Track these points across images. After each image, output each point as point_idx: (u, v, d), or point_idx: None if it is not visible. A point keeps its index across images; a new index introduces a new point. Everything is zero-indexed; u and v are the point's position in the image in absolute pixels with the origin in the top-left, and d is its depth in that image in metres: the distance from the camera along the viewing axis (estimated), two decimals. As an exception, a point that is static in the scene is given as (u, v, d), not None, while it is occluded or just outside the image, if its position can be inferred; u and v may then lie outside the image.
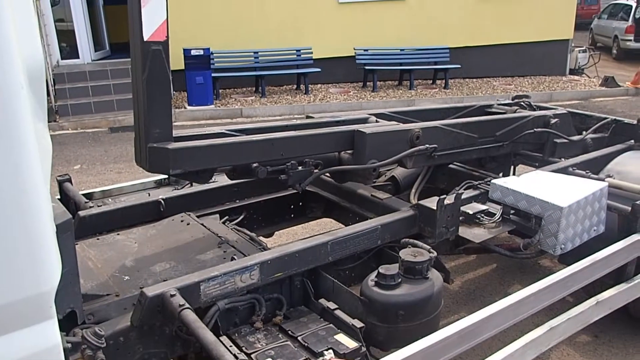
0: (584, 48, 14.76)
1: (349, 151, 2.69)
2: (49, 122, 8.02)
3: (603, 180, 3.01)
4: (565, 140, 3.49)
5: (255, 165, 2.39)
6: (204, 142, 2.27)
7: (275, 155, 2.44)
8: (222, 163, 2.35)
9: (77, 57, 10.44)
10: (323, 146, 2.61)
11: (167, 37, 2.02)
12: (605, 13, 20.40)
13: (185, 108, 9.76)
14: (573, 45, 14.32)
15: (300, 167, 2.51)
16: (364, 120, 2.96)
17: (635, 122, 3.89)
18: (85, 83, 9.58)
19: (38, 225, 1.15)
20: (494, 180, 2.75)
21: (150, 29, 1.98)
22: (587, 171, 3.18)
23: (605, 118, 4.05)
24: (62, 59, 10.28)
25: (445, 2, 12.08)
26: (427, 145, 2.77)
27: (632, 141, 3.78)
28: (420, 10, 11.96)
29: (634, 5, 17.85)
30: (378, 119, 2.99)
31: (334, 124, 2.81)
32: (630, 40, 17.36)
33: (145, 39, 1.98)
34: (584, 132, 3.78)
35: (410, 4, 11.91)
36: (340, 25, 11.49)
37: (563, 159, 3.67)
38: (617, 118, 4.09)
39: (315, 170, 2.59)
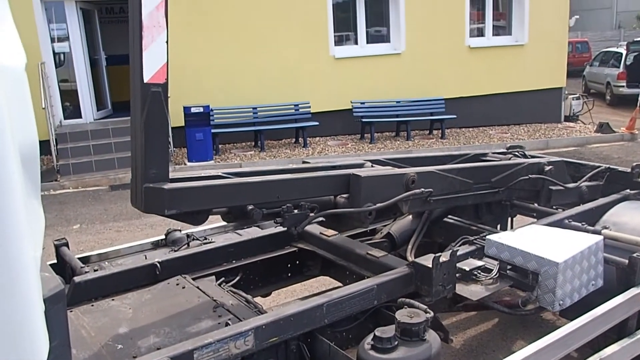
0: (577, 95, 15.00)
1: (344, 195, 2.70)
2: (50, 181, 8.09)
3: (599, 232, 3.00)
4: (561, 188, 3.50)
5: (250, 207, 2.39)
6: (200, 183, 2.29)
7: (271, 198, 2.44)
8: (217, 204, 2.35)
9: (80, 116, 10.67)
10: (319, 189, 2.62)
11: (167, 79, 2.07)
12: (597, 60, 20.85)
13: (185, 164, 9.86)
14: (567, 92, 14.57)
15: (296, 211, 2.50)
16: (360, 166, 2.99)
17: (629, 170, 3.92)
18: (87, 142, 9.73)
19: (24, 304, 1.15)
20: (489, 236, 2.74)
21: (150, 71, 2.03)
22: (583, 223, 3.17)
23: (600, 166, 4.07)
24: (65, 118, 10.51)
25: (438, 55, 12.38)
26: (423, 189, 2.77)
27: (628, 190, 3.80)
28: (414, 63, 12.25)
29: (624, 52, 18.27)
30: (373, 164, 3.01)
31: (329, 169, 2.83)
32: (622, 86, 17.67)
33: (145, 81, 2.03)
34: (579, 181, 3.80)
35: (404, 58, 12.21)
36: (336, 80, 11.75)
37: (560, 209, 3.68)
38: (612, 166, 4.11)
39: (311, 214, 2.59)
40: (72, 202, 8.07)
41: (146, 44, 2.00)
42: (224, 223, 3.59)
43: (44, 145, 9.15)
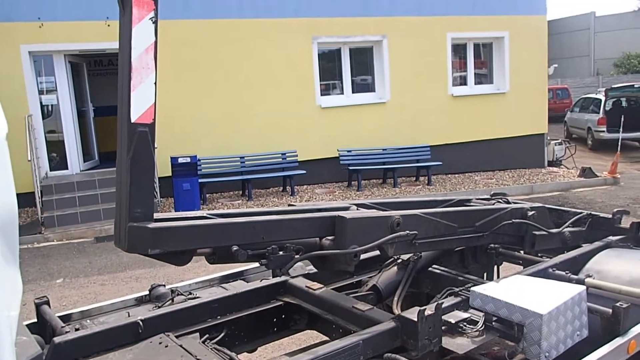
0: (559, 140, 15.33)
1: (329, 238, 2.69)
2: (33, 234, 7.98)
3: (583, 281, 3.02)
4: (544, 233, 3.53)
5: (235, 248, 2.37)
6: (184, 223, 2.27)
7: (256, 239, 2.42)
8: (202, 244, 2.33)
9: (66, 167, 10.66)
10: (304, 231, 2.61)
11: (154, 120, 2.09)
12: (577, 106, 21.39)
13: (172, 214, 9.79)
14: (549, 138, 14.89)
15: (281, 252, 2.49)
16: (345, 209, 2.99)
17: (610, 215, 3.97)
18: (72, 193, 9.68)
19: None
20: (473, 288, 2.74)
21: (138, 111, 2.05)
22: (567, 272, 3.19)
23: (582, 212, 4.12)
24: (51, 170, 10.48)
25: (422, 103, 12.66)
26: (408, 232, 2.77)
27: (610, 237, 3.83)
28: (399, 111, 12.49)
29: (603, 98, 18.78)
30: (359, 208, 3.02)
31: (315, 211, 2.84)
32: (603, 131, 18.07)
33: (132, 121, 2.04)
34: (562, 227, 3.83)
35: (390, 106, 12.46)
36: (323, 128, 11.92)
37: (544, 256, 3.70)
38: (593, 212, 4.16)
39: (296, 256, 2.57)
40: (56, 255, 7.95)
41: (135, 84, 2.04)
42: (209, 277, 3.56)
43: (29, 198, 9.10)
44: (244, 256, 2.39)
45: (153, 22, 2.02)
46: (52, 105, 10.86)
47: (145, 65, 2.04)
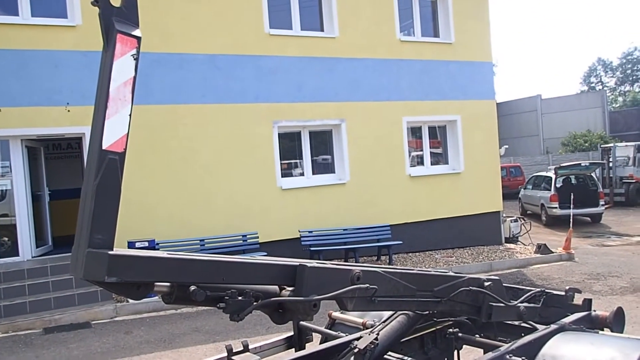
0: (514, 218, 15.77)
1: (289, 288, 2.65)
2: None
3: (539, 368, 3.03)
4: (501, 305, 3.58)
5: (193, 288, 2.29)
6: (145, 253, 2.19)
7: (216, 279, 2.36)
8: (162, 277, 2.24)
9: (17, 254, 10.26)
10: (266, 276, 2.56)
11: (125, 150, 2.09)
12: (530, 184, 22.22)
13: (127, 302, 9.45)
14: (505, 215, 15.32)
15: (240, 297, 2.42)
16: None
17: (563, 293, 4.06)
18: (22, 282, 9.27)
19: None
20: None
21: (110, 139, 2.05)
22: (523, 357, 3.20)
23: (536, 290, 4.21)
24: (0, 257, 10.06)
25: (381, 184, 12.94)
26: (368, 285, 2.76)
27: (564, 320, 3.90)
28: (358, 192, 12.72)
29: (553, 176, 19.61)
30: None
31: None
32: (555, 207, 18.72)
33: (103, 147, 2.03)
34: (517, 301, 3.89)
35: (349, 187, 12.68)
36: (284, 210, 11.97)
37: (501, 339, 3.71)
38: (547, 290, 4.26)
39: (255, 302, 2.50)
40: (0, 349, 7.48)
41: (110, 114, 2.06)
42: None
43: (-25, 287, 8.66)
44: (202, 296, 2.31)
45: (134, 59, 2.09)
46: (5, 189, 10.62)
47: (122, 97, 2.09)
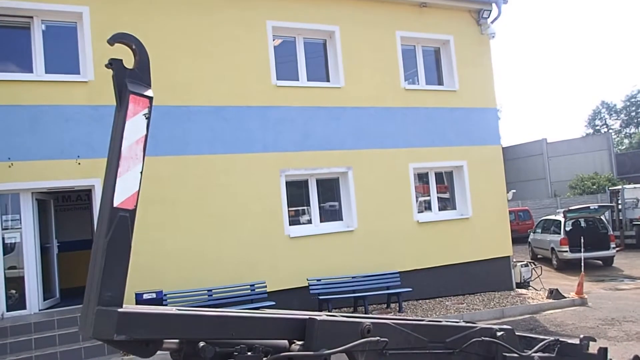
0: (525, 262, 15.59)
1: (299, 343, 2.62)
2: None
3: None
4: (515, 355, 3.51)
5: (202, 344, 2.27)
6: (155, 310, 2.18)
7: (226, 335, 2.33)
8: (171, 335, 2.22)
9: (24, 307, 10.22)
10: (276, 331, 2.54)
11: (136, 207, 2.11)
12: (539, 227, 22.05)
13: (134, 357, 9.30)
14: (515, 260, 15.15)
15: (249, 353, 2.38)
16: (317, 316, 2.97)
17: (578, 341, 3.99)
18: (29, 336, 9.20)
19: None
20: None
21: (121, 196, 2.07)
22: (539, 411, 3.13)
23: (550, 339, 4.14)
24: (7, 310, 10.02)
25: (389, 230, 12.90)
26: (379, 338, 2.72)
27: (579, 369, 3.82)
28: (367, 239, 12.67)
29: (562, 220, 19.46)
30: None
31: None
32: (566, 251, 18.51)
33: (114, 205, 2.05)
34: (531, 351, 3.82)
35: (357, 234, 12.64)
36: (292, 258, 11.91)
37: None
38: (561, 339, 4.19)
39: (265, 358, 2.46)
40: (6, 406, 7.36)
41: (121, 172, 2.09)
42: None
43: (-18, 342, 8.60)
44: (211, 352, 2.29)
45: (146, 118, 2.15)
46: (15, 241, 10.68)
47: (134, 155, 2.13)
